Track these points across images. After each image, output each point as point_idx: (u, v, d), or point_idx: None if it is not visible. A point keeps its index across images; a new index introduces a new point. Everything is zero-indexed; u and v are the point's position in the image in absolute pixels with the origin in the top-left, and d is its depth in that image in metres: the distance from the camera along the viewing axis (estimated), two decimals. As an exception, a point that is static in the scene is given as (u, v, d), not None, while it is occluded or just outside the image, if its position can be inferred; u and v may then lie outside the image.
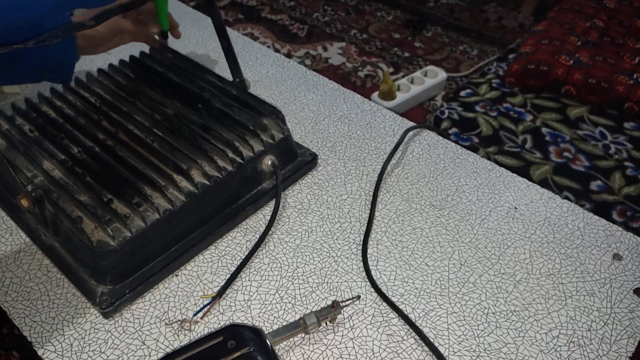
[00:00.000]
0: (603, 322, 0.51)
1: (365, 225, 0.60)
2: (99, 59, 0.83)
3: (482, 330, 0.51)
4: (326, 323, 0.50)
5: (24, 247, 0.57)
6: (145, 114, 0.63)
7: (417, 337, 0.50)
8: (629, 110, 1.05)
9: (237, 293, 0.53)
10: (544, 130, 1.02)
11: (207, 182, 0.56)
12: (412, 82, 1.51)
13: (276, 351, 0.45)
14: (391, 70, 1.70)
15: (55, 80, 0.65)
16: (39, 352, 0.48)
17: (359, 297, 0.53)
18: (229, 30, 0.73)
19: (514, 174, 0.67)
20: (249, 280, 0.54)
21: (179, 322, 0.50)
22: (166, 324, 0.51)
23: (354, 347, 0.49)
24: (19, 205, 0.53)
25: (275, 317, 0.51)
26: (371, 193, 0.64)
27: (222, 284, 0.53)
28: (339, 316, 0.51)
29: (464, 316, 0.52)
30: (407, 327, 0.50)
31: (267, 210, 0.62)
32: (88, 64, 0.82)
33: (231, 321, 0.51)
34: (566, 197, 0.87)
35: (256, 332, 0.45)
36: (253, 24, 1.92)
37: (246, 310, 0.52)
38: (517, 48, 1.26)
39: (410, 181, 0.66)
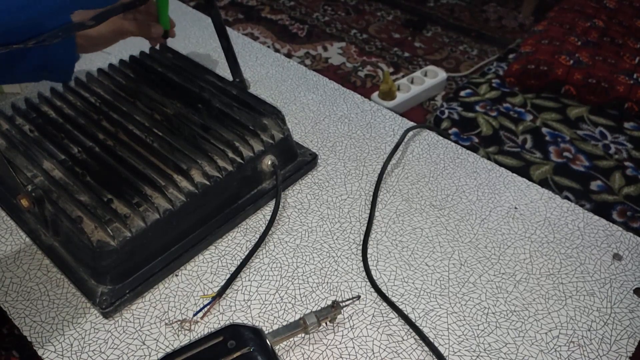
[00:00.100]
0: (603, 322, 0.51)
1: (365, 225, 0.60)
2: (99, 59, 0.83)
3: (482, 330, 0.51)
4: (326, 323, 0.50)
5: (24, 247, 0.57)
6: (145, 114, 0.63)
7: (417, 337, 0.50)
8: (629, 110, 1.05)
9: (237, 293, 0.53)
10: (544, 130, 1.02)
11: (207, 182, 0.56)
12: (412, 82, 1.51)
13: (276, 351, 0.45)
14: (391, 70, 1.70)
15: (55, 79, 0.65)
16: (39, 352, 0.48)
17: (359, 297, 0.53)
18: (229, 30, 0.73)
19: (514, 174, 0.67)
20: (249, 280, 0.54)
21: (179, 322, 0.50)
22: (166, 324, 0.51)
23: (354, 347, 0.49)
24: (19, 205, 0.53)
25: (275, 317, 0.51)
26: (371, 193, 0.64)
27: (222, 284, 0.53)
28: (339, 316, 0.51)
29: (464, 316, 0.52)
30: (407, 327, 0.50)
31: (267, 210, 0.62)
32: (88, 64, 0.82)
33: (231, 321, 0.51)
34: (566, 197, 0.87)
35: (256, 332, 0.45)
36: (253, 24, 1.92)
37: (246, 310, 0.52)
38: (517, 48, 1.26)
39: (410, 181, 0.66)
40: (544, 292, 0.54)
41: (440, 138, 0.72)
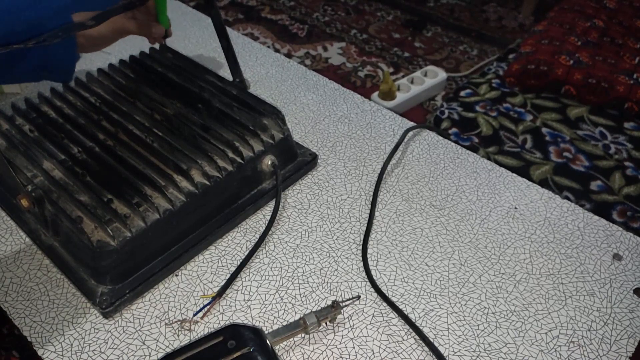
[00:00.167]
0: (603, 322, 0.51)
1: (365, 225, 0.60)
2: (99, 59, 0.83)
3: (482, 330, 0.51)
4: (326, 323, 0.50)
5: (24, 247, 0.57)
6: (145, 114, 0.63)
7: (417, 337, 0.50)
8: (629, 110, 1.05)
9: (237, 293, 0.53)
10: (544, 130, 1.02)
11: (207, 182, 0.56)
12: (412, 82, 1.51)
13: (276, 351, 0.45)
14: (391, 70, 1.70)
15: (55, 79, 0.65)
16: (39, 352, 0.48)
17: (359, 297, 0.53)
18: (229, 30, 0.73)
19: (514, 174, 0.67)
20: (249, 280, 0.54)
21: (179, 322, 0.50)
22: (166, 324, 0.51)
23: (354, 347, 0.49)
24: (19, 205, 0.53)
25: (275, 317, 0.51)
26: (371, 193, 0.64)
27: (222, 284, 0.53)
28: (339, 316, 0.51)
29: (464, 316, 0.52)
30: (407, 327, 0.50)
31: (267, 210, 0.62)
32: (88, 64, 0.82)
33: (231, 321, 0.51)
34: (566, 197, 0.87)
35: (256, 332, 0.45)
36: (253, 24, 1.92)
37: (246, 310, 0.52)
38: (517, 48, 1.26)
39: (410, 181, 0.66)
40: (544, 292, 0.54)
41: (440, 138, 0.72)
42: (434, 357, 0.48)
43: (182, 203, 0.54)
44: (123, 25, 0.66)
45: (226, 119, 0.62)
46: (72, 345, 0.49)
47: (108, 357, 0.48)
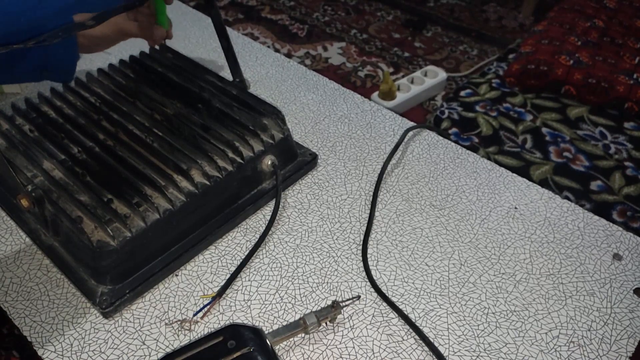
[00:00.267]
0: (603, 322, 0.51)
1: (365, 225, 0.60)
2: (99, 59, 0.83)
3: (482, 330, 0.51)
4: (326, 323, 0.50)
5: (24, 247, 0.57)
6: (145, 114, 0.63)
7: (417, 337, 0.50)
8: (629, 110, 1.05)
9: (237, 293, 0.53)
10: (544, 130, 1.02)
11: (207, 182, 0.56)
12: (412, 82, 1.51)
13: (276, 351, 0.45)
14: (391, 70, 1.70)
15: (56, 79, 0.65)
16: (39, 352, 0.48)
17: (359, 297, 0.53)
18: (229, 30, 0.73)
19: (514, 174, 0.67)
20: (249, 280, 0.54)
21: (179, 322, 0.50)
22: (166, 324, 0.51)
23: (354, 347, 0.49)
24: (19, 205, 0.53)
25: (275, 317, 0.51)
26: (371, 193, 0.64)
27: (222, 284, 0.53)
28: (339, 316, 0.51)
29: (464, 316, 0.52)
30: (407, 327, 0.50)
31: (267, 210, 0.62)
32: (88, 64, 0.82)
33: (231, 321, 0.51)
34: (566, 197, 0.87)
35: (256, 332, 0.45)
36: (253, 24, 1.92)
37: (246, 310, 0.52)
38: (517, 48, 1.26)
39: (410, 181, 0.66)
40: (544, 292, 0.54)
41: (440, 138, 0.72)
42: (434, 357, 0.48)
43: (182, 203, 0.54)
44: (124, 26, 0.66)
45: (226, 119, 0.62)
46: (72, 345, 0.49)
47: (108, 357, 0.48)
